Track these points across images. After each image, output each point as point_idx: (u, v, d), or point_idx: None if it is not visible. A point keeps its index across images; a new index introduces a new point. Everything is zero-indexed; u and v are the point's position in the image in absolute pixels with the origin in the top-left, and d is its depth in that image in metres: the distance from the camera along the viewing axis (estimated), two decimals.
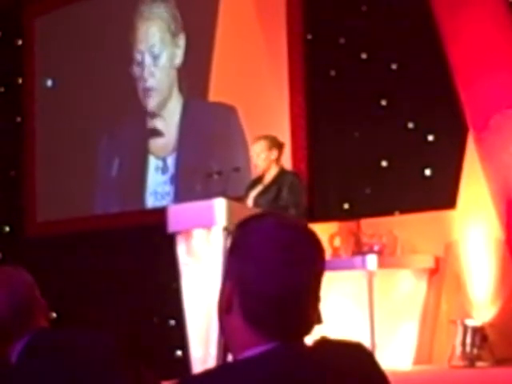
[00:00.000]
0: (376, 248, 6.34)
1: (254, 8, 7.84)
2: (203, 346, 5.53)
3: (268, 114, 7.61)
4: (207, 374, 1.51)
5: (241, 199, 6.01)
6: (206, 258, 5.56)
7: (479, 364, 5.86)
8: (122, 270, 8.43)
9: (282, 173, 6.00)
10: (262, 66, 7.75)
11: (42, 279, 2.61)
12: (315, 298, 1.54)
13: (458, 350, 5.92)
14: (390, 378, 1.64)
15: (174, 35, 8.58)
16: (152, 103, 8.73)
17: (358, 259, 6.20)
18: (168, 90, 8.62)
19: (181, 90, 8.53)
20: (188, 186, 8.06)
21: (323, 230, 6.33)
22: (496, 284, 6.07)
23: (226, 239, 5.33)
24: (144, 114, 8.78)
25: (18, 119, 9.83)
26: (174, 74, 8.60)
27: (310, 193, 6.60)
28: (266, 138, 6.03)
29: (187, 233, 5.70)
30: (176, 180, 8.47)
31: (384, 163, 6.94)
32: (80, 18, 9.33)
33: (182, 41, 8.52)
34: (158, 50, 8.71)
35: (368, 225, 6.63)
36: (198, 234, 5.65)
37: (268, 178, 5.99)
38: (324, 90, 7.36)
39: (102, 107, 9.07)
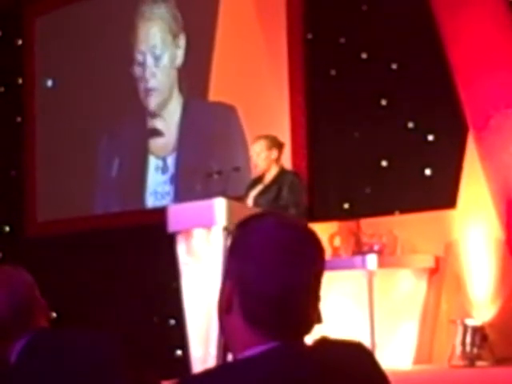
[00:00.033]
0: (376, 248, 6.34)
1: (254, 8, 7.84)
2: (203, 345, 5.53)
3: (268, 114, 7.61)
4: (207, 374, 1.51)
5: (241, 199, 6.01)
6: (206, 258, 5.56)
7: (479, 363, 5.86)
8: (122, 270, 8.43)
9: (282, 172, 6.00)
10: (262, 66, 7.75)
11: (41, 279, 2.61)
12: (315, 298, 1.54)
13: (458, 349, 5.92)
14: (390, 377, 1.64)
15: (175, 36, 8.58)
16: (153, 103, 8.73)
17: (357, 259, 6.20)
18: (169, 90, 8.62)
19: (181, 90, 8.53)
20: (188, 185, 8.06)
21: (323, 230, 6.33)
22: (496, 284, 6.07)
23: (226, 239, 5.33)
24: (144, 113, 8.78)
25: (18, 119, 9.83)
26: (174, 74, 8.60)
27: (310, 192, 6.61)
28: (265, 137, 6.03)
29: (187, 232, 5.70)
30: (176, 180, 8.47)
31: (384, 163, 6.94)
32: (80, 17, 9.33)
33: (182, 41, 8.52)
34: (159, 51, 8.71)
35: (368, 224, 6.63)
36: (198, 233, 5.65)
37: (268, 178, 5.99)
38: (324, 89, 7.36)
39: (102, 107, 9.07)
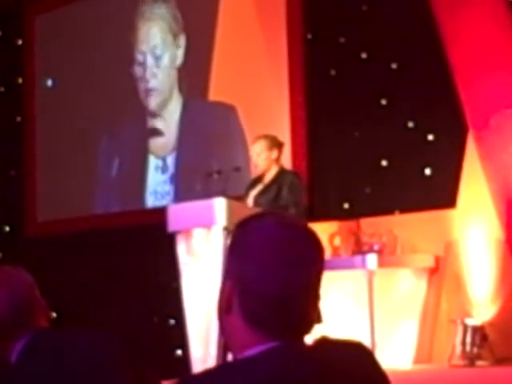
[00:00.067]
0: (376, 247, 6.34)
1: (254, 8, 7.84)
2: (203, 345, 5.54)
3: (268, 114, 7.61)
4: (207, 374, 1.51)
5: (241, 199, 6.01)
6: (206, 258, 5.56)
7: (479, 363, 5.86)
8: (122, 270, 8.43)
9: (282, 172, 6.01)
10: (262, 66, 7.75)
11: (41, 279, 2.61)
12: (315, 298, 1.54)
13: (458, 349, 5.92)
14: (390, 377, 1.64)
15: (175, 36, 8.58)
16: (153, 103, 8.73)
17: (357, 258, 6.20)
18: (169, 90, 8.62)
19: (181, 89, 8.53)
20: (188, 185, 8.06)
21: (323, 230, 6.33)
22: (496, 283, 6.07)
23: (226, 239, 5.33)
24: (144, 113, 8.78)
25: (18, 119, 9.82)
26: (174, 74, 8.60)
27: (310, 192, 6.61)
28: (265, 137, 6.03)
29: (187, 232, 5.70)
30: (176, 179, 8.47)
31: (384, 163, 6.94)
32: (80, 17, 9.33)
33: (182, 41, 8.52)
34: (160, 51, 8.70)
35: (368, 224, 6.63)
36: (198, 233, 5.65)
37: (268, 178, 6.00)
38: (324, 89, 7.36)
39: (102, 107, 9.07)
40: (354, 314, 6.24)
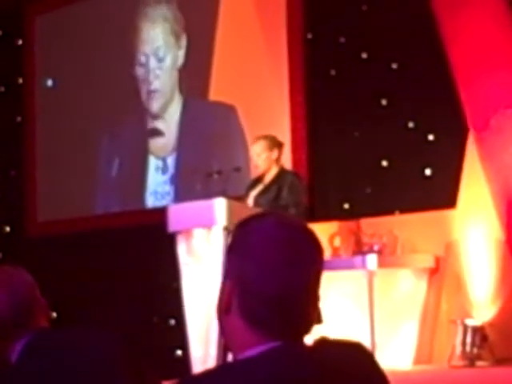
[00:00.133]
0: (376, 248, 6.34)
1: (254, 8, 7.84)
2: (203, 345, 5.54)
3: (268, 114, 7.61)
4: (207, 374, 1.51)
5: (241, 199, 6.01)
6: (206, 258, 5.56)
7: (479, 364, 5.86)
8: (122, 270, 8.43)
9: (282, 172, 6.01)
10: (262, 66, 7.75)
11: (41, 279, 2.61)
12: (315, 298, 1.55)
13: (458, 349, 5.92)
14: (390, 377, 1.64)
15: (177, 37, 8.57)
16: (156, 106, 8.71)
17: (358, 259, 6.20)
18: (171, 91, 8.61)
19: (181, 90, 8.53)
20: (188, 185, 8.05)
21: (323, 230, 6.33)
22: (496, 284, 6.07)
23: (226, 239, 5.33)
24: (144, 114, 8.78)
25: (18, 119, 9.82)
26: (175, 74, 8.60)
27: (310, 192, 6.61)
28: (265, 138, 6.04)
29: (187, 232, 5.70)
30: (176, 180, 8.47)
31: (384, 163, 6.94)
32: (80, 17, 9.33)
33: (183, 42, 8.52)
34: (162, 53, 8.68)
35: (368, 224, 6.63)
36: (198, 233, 5.65)
37: (268, 178, 6.00)
38: (324, 89, 7.36)
39: (102, 107, 9.07)
40: (354, 315, 6.24)
